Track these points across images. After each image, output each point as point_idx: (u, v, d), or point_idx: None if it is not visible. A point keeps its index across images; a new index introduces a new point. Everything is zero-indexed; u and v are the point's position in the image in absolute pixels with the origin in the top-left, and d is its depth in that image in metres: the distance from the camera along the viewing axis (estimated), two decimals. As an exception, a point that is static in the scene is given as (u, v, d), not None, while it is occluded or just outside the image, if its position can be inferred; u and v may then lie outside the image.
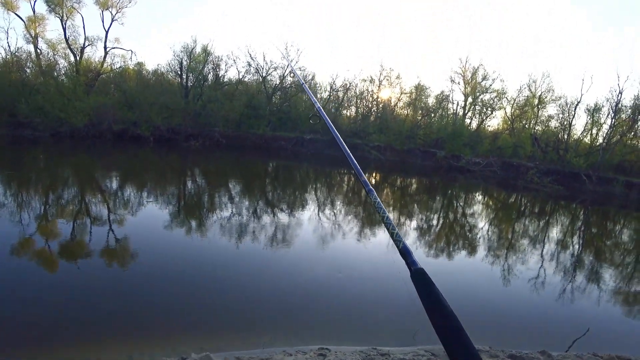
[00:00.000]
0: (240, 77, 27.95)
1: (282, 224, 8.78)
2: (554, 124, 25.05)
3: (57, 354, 3.64)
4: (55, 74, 21.67)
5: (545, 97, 25.01)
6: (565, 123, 23.82)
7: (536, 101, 25.29)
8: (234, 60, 36.34)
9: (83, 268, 5.61)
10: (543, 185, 18.67)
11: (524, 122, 26.44)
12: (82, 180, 12.35)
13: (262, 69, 27.65)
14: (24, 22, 21.64)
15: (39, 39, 22.09)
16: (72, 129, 18.96)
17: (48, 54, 22.40)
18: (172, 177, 14.41)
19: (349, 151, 1.18)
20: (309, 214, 10.05)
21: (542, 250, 8.67)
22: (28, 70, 21.99)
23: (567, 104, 23.69)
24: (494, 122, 29.29)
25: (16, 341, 3.79)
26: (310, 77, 28.97)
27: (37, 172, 12.95)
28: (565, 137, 23.58)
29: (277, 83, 27.94)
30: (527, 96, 25.99)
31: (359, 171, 1.07)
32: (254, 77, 28.33)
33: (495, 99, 26.82)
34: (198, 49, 25.82)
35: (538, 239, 9.90)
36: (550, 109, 35.04)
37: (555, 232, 10.98)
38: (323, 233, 8.34)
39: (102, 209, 8.84)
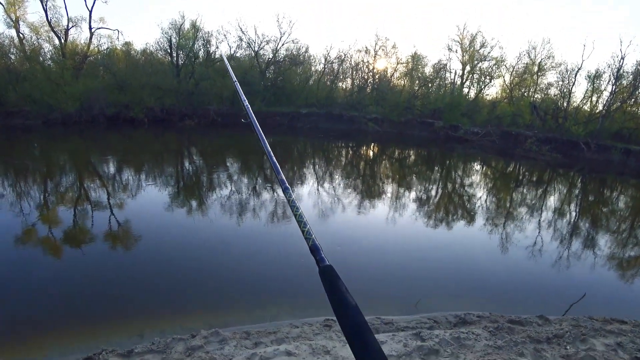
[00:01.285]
0: (232, 52, 27.22)
1: (282, 199, 8.84)
2: (553, 91, 24.70)
3: (71, 335, 3.75)
4: (41, 59, 20.83)
5: (545, 64, 24.56)
6: (565, 90, 23.50)
7: (536, 68, 24.84)
8: (225, 35, 35.40)
9: (89, 253, 5.68)
10: (541, 154, 18.69)
11: (523, 90, 26.07)
12: (80, 166, 12.29)
13: (254, 43, 26.90)
14: (3, 5, 20.56)
15: (20, 23, 21.06)
16: (64, 115, 18.49)
17: (31, 38, 21.44)
18: (168, 158, 14.33)
19: (269, 149, 1.20)
20: (307, 188, 10.10)
21: (539, 218, 8.81)
22: (12, 57, 20.94)
23: (567, 71, 23.27)
24: (493, 91, 28.90)
25: (30, 324, 3.89)
26: (303, 49, 28.28)
27: (34, 160, 12.83)
28: (565, 104, 23.33)
29: (270, 57, 27.25)
30: (527, 63, 25.50)
31: (277, 169, 1.09)
32: (246, 52, 27.63)
33: (494, 67, 26.31)
34: (187, 25, 24.96)
35: (535, 207, 10.03)
36: (550, 77, 34.52)
37: (552, 200, 11.11)
38: (321, 208, 8.42)
39: (103, 194, 8.84)
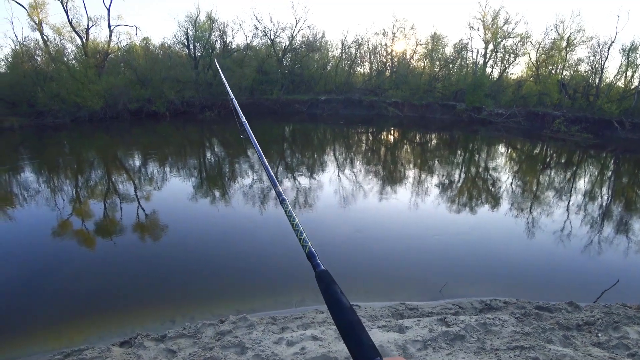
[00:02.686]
0: (248, 42, 27.26)
1: (302, 187, 8.91)
2: (583, 67, 23.29)
3: (108, 320, 3.97)
4: (65, 59, 21.48)
5: (575, 39, 23.17)
6: (596, 66, 22.15)
7: (564, 44, 23.51)
8: (240, 24, 35.51)
9: (120, 243, 5.95)
10: (571, 135, 17.87)
11: (550, 67, 24.80)
12: (108, 161, 12.75)
13: (270, 31, 26.82)
14: (26, 9, 21.26)
15: (44, 25, 21.74)
16: (90, 113, 19.25)
17: (55, 39, 22.13)
18: (191, 150, 14.64)
19: (267, 163, 1.28)
20: (328, 175, 10.11)
21: (568, 202, 8.49)
22: (38, 59, 21.73)
23: (599, 45, 21.85)
24: (518, 70, 27.77)
25: (70, 311, 4.15)
26: (319, 35, 27.95)
27: (64, 157, 13.45)
28: (597, 81, 22.03)
29: (287, 44, 27.10)
30: (554, 39, 24.17)
31: (274, 182, 1.15)
32: (262, 41, 27.60)
33: (519, 44, 25.12)
34: (202, 17, 25.13)
35: (564, 190, 9.66)
36: (580, 52, 32.56)
37: (582, 183, 10.66)
38: (342, 194, 8.43)
39: (130, 187, 9.18)
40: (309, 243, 0.88)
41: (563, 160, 14.39)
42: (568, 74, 23.75)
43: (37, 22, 21.36)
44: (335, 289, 0.76)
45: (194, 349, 3.11)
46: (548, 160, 14.40)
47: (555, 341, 2.68)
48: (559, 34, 23.90)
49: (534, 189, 9.80)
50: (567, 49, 23.39)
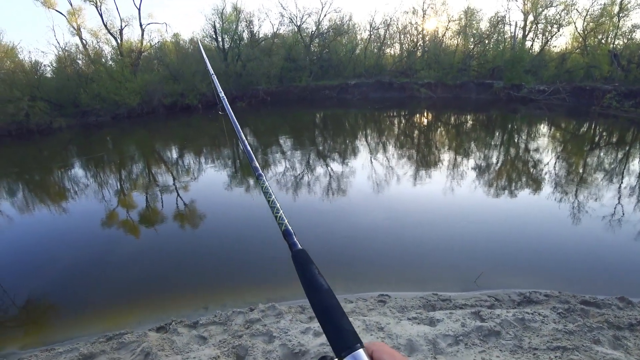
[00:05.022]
0: (275, 30, 27.20)
1: (334, 174, 8.85)
2: (639, 35, 21.08)
3: (146, 307, 4.20)
4: (103, 60, 22.77)
5: (629, 3, 20.89)
6: (654, 31, 19.95)
7: (616, 9, 21.27)
8: (266, 13, 35.63)
9: (159, 233, 6.26)
10: (624, 111, 16.32)
11: (599, 36, 22.60)
12: (147, 154, 13.37)
13: (296, 17, 26.57)
14: (65, 16, 22.60)
15: (82, 30, 23.10)
16: (129, 110, 20.47)
17: (93, 42, 23.51)
18: (224, 140, 14.95)
19: (243, 138, 1.28)
20: (359, 161, 9.97)
21: (620, 185, 7.80)
22: (80, 62, 23.17)
23: (658, 7, 19.64)
24: (561, 42, 25.57)
25: (114, 298, 4.42)
26: (347, 18, 27.32)
27: (108, 153, 14.25)
28: (655, 49, 19.87)
29: (314, 30, 26.73)
30: (604, 4, 21.91)
31: (251, 157, 1.15)
32: (289, 28, 27.41)
33: (563, 13, 23.07)
34: (228, 9, 25.33)
35: (615, 172, 8.88)
36: (635, 17, 29.29)
37: (636, 164, 9.75)
38: (375, 180, 8.29)
39: (169, 178, 9.58)
40: (286, 221, 0.85)
41: (614, 140, 13.22)
42: (621, 43, 21.55)
43: (76, 28, 22.62)
44: (313, 269, 0.71)
45: (224, 336, 3.19)
46: (597, 139, 13.29)
47: (604, 342, 2.45)
48: (610, -1, 21.67)
49: (580, 171, 9.09)
50: (620, 15, 21.17)
